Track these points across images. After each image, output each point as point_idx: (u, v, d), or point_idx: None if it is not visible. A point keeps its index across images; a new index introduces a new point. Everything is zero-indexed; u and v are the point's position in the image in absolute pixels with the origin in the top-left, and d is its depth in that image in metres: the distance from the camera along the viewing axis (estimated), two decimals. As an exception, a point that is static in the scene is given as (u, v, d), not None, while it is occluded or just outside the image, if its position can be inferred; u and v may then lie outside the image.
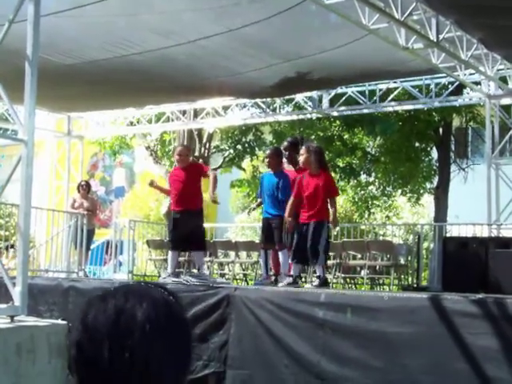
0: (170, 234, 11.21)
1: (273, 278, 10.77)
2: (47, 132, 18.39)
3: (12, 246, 16.54)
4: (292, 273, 9.90)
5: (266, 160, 10.96)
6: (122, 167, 30.85)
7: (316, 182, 9.71)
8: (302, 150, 9.86)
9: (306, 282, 11.22)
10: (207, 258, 15.40)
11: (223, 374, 8.63)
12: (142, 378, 1.49)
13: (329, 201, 9.82)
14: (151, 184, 11.45)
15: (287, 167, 10.70)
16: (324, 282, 9.86)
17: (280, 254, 10.66)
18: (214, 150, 21.38)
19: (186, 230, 10.70)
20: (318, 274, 9.86)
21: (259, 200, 11.51)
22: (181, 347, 1.57)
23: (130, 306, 1.53)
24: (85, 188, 15.94)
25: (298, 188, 9.81)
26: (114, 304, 1.54)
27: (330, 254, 11.94)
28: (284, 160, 10.88)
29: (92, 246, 17.44)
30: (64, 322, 6.12)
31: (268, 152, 11.12)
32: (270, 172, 10.77)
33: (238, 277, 16.29)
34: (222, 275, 15.55)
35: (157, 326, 1.52)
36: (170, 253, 11.31)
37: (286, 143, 11.02)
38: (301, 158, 9.88)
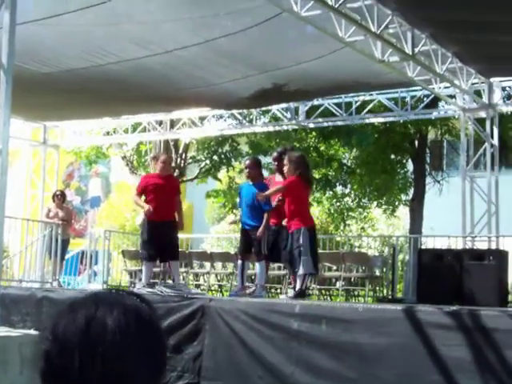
0: (145, 245, 11.11)
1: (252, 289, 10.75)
2: (22, 141, 18.28)
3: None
4: (296, 284, 9.76)
5: (246, 170, 10.96)
6: (98, 177, 30.72)
7: (294, 193, 9.77)
8: (285, 161, 9.94)
9: (281, 292, 11.21)
10: (182, 269, 15.36)
11: (197, 385, 8.60)
12: None
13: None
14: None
15: (277, 178, 10.71)
16: (300, 293, 9.80)
17: (257, 264, 10.70)
18: (190, 161, 21.35)
19: (165, 241, 10.68)
20: (294, 285, 9.83)
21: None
22: (153, 354, 1.54)
23: (100, 315, 1.50)
24: (60, 198, 15.86)
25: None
26: (83, 313, 1.51)
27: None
28: (261, 171, 10.96)
29: (67, 256, 17.33)
30: (36, 333, 6.06)
31: (247, 162, 11.10)
32: (249, 182, 10.76)
33: (213, 288, 16.26)
34: (197, 286, 15.52)
35: (127, 332, 1.49)
36: (145, 263, 11.24)
37: (275, 154, 11.10)
38: (285, 169, 9.95)
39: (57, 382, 1.50)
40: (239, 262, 10.95)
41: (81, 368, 1.47)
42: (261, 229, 10.21)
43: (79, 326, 1.50)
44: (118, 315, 1.50)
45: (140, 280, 12.34)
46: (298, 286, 9.65)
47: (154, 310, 1.59)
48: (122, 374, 1.47)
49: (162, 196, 10.72)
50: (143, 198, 11.07)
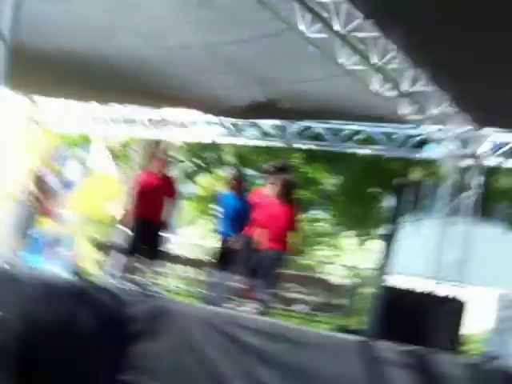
0: (127, 239, 11.00)
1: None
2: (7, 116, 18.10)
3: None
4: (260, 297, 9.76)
5: (230, 181, 10.91)
6: (76, 160, 30.52)
7: (278, 212, 9.76)
8: (273, 180, 9.93)
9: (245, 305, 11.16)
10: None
11: (140, 384, 8.50)
12: (78, 377, 1.44)
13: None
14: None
15: (266, 190, 10.64)
16: (263, 311, 9.80)
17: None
18: (170, 160, 21.23)
19: (147, 240, 10.62)
20: (262, 299, 9.80)
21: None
22: (116, 348, 1.52)
23: (72, 308, 1.47)
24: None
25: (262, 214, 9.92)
26: (58, 305, 1.47)
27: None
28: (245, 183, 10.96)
29: (33, 235, 17.14)
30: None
31: (232, 172, 11.06)
32: (231, 193, 10.71)
33: (172, 290, 16.16)
34: (157, 285, 15.42)
35: (97, 328, 1.46)
36: (118, 255, 11.11)
37: (266, 167, 10.98)
38: (272, 188, 9.93)
39: (27, 368, 1.45)
40: (216, 271, 10.89)
41: (50, 357, 1.42)
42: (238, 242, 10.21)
43: (52, 318, 1.45)
44: (89, 310, 1.47)
45: (107, 270, 12.26)
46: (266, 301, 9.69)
47: (123, 307, 1.56)
48: (86, 364, 1.44)
49: (153, 195, 10.61)
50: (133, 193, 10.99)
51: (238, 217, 10.41)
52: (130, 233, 10.87)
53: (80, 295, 1.23)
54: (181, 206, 12.20)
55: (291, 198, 10.17)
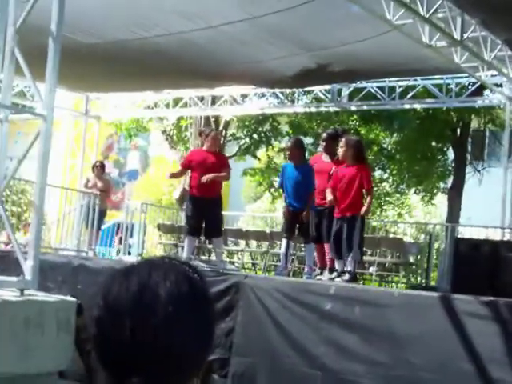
0: (188, 219, 11.15)
1: (318, 270, 10.77)
2: (64, 110, 18.42)
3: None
4: (350, 268, 9.80)
5: (287, 152, 10.95)
6: (137, 150, 30.90)
7: (351, 175, 9.72)
8: (341, 143, 9.88)
9: (322, 274, 11.21)
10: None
11: (227, 360, 8.63)
12: (163, 357, 1.45)
13: (364, 194, 9.84)
14: (172, 176, 11.59)
15: (324, 158, 10.66)
16: (354, 278, 9.83)
17: (307, 247, 10.83)
18: (229, 138, 21.36)
19: (208, 217, 10.71)
20: (348, 269, 9.80)
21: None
22: (204, 326, 1.52)
23: (153, 283, 1.47)
24: (99, 168, 15.94)
25: (333, 180, 9.90)
26: (136, 281, 1.49)
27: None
28: (321, 150, 10.98)
29: (103, 227, 17.47)
30: (73, 299, 6.13)
31: (289, 144, 11.05)
32: (291, 164, 10.72)
33: (246, 266, 16.31)
34: (231, 263, 15.56)
35: (180, 304, 1.47)
36: (187, 237, 11.23)
37: (324, 135, 11.02)
38: (340, 151, 9.89)
39: (107, 349, 1.49)
40: (284, 241, 10.94)
41: (132, 337, 1.45)
42: (306, 212, 10.25)
43: (131, 294, 1.47)
44: (171, 285, 1.48)
45: (175, 254, 12.42)
46: (351, 270, 9.70)
47: (206, 281, 1.57)
48: (172, 344, 1.46)
49: (208, 172, 10.65)
50: (188, 172, 11.12)
51: (299, 187, 10.44)
52: (188, 212, 10.98)
53: (169, 275, 1.26)
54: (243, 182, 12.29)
55: (363, 158, 10.14)
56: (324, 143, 10.72)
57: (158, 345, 1.45)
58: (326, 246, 10.17)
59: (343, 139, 9.98)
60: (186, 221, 11.40)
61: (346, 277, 9.71)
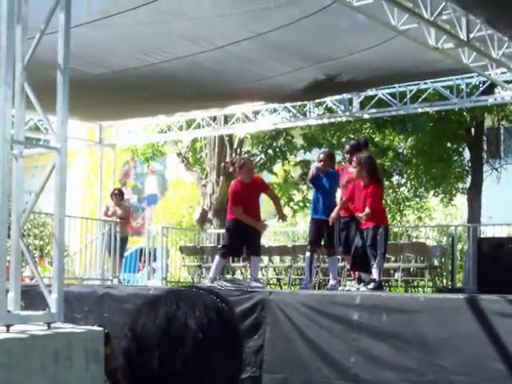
0: (226, 242, 11.48)
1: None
2: (79, 141, 18.54)
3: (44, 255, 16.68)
4: (375, 277, 9.85)
5: (321, 164, 11.10)
6: (154, 175, 31.00)
7: (365, 193, 9.95)
8: (354, 163, 10.06)
9: (345, 284, 11.26)
10: (240, 264, 15.43)
11: (259, 378, 8.63)
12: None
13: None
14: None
15: (351, 169, 10.76)
16: (379, 286, 9.87)
17: (331, 259, 11.03)
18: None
19: (247, 238, 10.90)
20: (373, 277, 9.83)
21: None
22: (233, 354, 1.52)
23: (181, 314, 1.48)
24: (118, 196, 16.03)
25: (350, 191, 10.29)
26: (164, 311, 1.49)
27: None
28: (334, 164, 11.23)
29: (125, 254, 17.54)
30: (100, 329, 6.15)
31: (322, 156, 11.38)
32: (321, 174, 10.98)
33: (271, 281, 16.29)
34: (256, 281, 15.54)
35: (210, 334, 1.47)
36: (218, 259, 11.32)
37: (347, 147, 11.34)
38: (354, 171, 10.10)
39: (136, 380, 1.49)
40: (307, 254, 11.10)
41: (161, 367, 1.45)
42: (333, 214, 10.32)
43: (160, 325, 1.48)
44: (200, 315, 1.49)
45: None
46: (376, 279, 9.79)
47: (233, 309, 1.57)
48: (202, 374, 1.46)
49: (248, 200, 11.03)
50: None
51: (329, 197, 10.76)
52: (229, 236, 11.18)
53: (196, 305, 1.26)
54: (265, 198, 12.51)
55: (377, 173, 10.29)
56: (348, 155, 10.89)
57: (188, 375, 1.45)
58: None
59: (354, 158, 10.13)
60: (225, 241, 11.60)
61: (371, 285, 9.71)
